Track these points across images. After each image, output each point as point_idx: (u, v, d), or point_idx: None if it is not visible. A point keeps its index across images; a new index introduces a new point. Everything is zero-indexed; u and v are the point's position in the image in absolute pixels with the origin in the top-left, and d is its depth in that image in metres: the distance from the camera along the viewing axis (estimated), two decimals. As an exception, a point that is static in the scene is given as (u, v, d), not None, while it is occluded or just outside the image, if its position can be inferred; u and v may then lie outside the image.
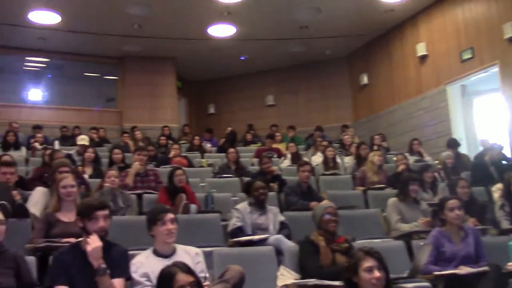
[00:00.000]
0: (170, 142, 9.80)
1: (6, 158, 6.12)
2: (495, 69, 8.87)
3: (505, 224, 5.15)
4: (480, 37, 9.16)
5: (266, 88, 14.36)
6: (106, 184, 5.34)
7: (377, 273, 2.78)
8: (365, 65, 12.70)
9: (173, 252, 3.35)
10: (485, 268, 3.77)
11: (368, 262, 2.82)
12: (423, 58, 10.59)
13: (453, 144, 8.02)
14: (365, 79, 12.59)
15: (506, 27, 8.46)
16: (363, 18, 10.84)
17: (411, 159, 7.94)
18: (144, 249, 3.43)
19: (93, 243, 3.04)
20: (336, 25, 11.17)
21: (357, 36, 11.93)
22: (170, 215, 3.35)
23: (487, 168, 6.88)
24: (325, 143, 8.89)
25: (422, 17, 10.66)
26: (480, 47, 9.18)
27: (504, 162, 7.16)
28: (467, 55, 9.41)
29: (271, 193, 5.70)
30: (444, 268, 3.89)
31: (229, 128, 12.25)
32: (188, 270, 2.73)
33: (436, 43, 10.31)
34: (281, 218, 4.97)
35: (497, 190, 5.78)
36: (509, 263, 3.84)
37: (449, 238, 4.16)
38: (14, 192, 4.65)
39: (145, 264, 3.25)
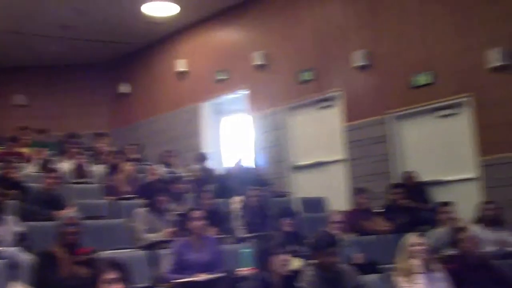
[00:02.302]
0: None
1: None
2: (245, 92, 9.77)
3: (240, 233, 5.68)
4: (234, 61, 9.97)
5: (17, 86, 13.14)
6: None
7: (115, 286, 2.78)
8: (127, 74, 12.64)
9: None
10: (220, 274, 4.09)
11: (109, 274, 2.81)
12: (183, 74, 11.04)
13: (202, 158, 8.53)
14: (126, 88, 12.51)
15: (255, 55, 9.40)
16: (127, 26, 10.79)
17: (164, 170, 8.17)
18: None
19: None
20: (100, 30, 10.90)
21: (120, 44, 11.82)
22: None
23: (230, 181, 7.50)
24: (77, 150, 8.52)
25: (185, 34, 11.10)
26: (233, 70, 9.99)
27: (246, 176, 7.89)
28: (221, 76, 10.15)
29: (11, 202, 5.24)
30: (183, 276, 4.09)
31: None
32: None
33: (195, 61, 10.85)
34: (19, 228, 4.59)
35: (236, 202, 6.33)
36: (240, 269, 4.25)
37: (191, 247, 4.40)
38: None
39: None
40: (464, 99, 7.02)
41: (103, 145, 9.62)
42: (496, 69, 6.69)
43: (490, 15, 6.85)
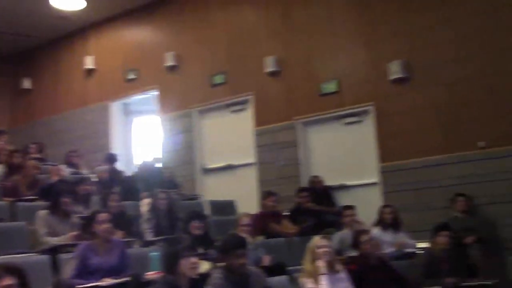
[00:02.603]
0: None
1: None
2: (155, 93, 9.62)
3: (149, 236, 5.58)
4: (144, 61, 9.79)
5: None
6: None
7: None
8: (29, 68, 11.97)
9: None
10: (126, 278, 3.99)
11: (5, 280, 2.65)
12: (90, 71, 10.65)
13: (110, 159, 8.28)
14: (27, 83, 11.86)
15: (166, 56, 9.29)
16: (33, 19, 10.23)
17: (68, 171, 7.84)
18: None
19: None
20: (3, 21, 10.23)
21: (24, 36, 11.18)
22: None
23: (138, 183, 7.34)
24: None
25: (93, 31, 10.74)
26: (143, 70, 9.80)
27: (154, 178, 7.76)
28: (131, 76, 9.92)
29: None
30: (87, 281, 3.94)
31: None
32: None
33: (103, 58, 10.52)
34: None
35: (145, 204, 6.22)
36: (148, 272, 4.17)
37: (96, 251, 4.26)
38: None
39: None
40: (367, 107, 7.40)
41: (1, 143, 9.02)
42: (395, 81, 7.13)
43: (394, 30, 7.30)
